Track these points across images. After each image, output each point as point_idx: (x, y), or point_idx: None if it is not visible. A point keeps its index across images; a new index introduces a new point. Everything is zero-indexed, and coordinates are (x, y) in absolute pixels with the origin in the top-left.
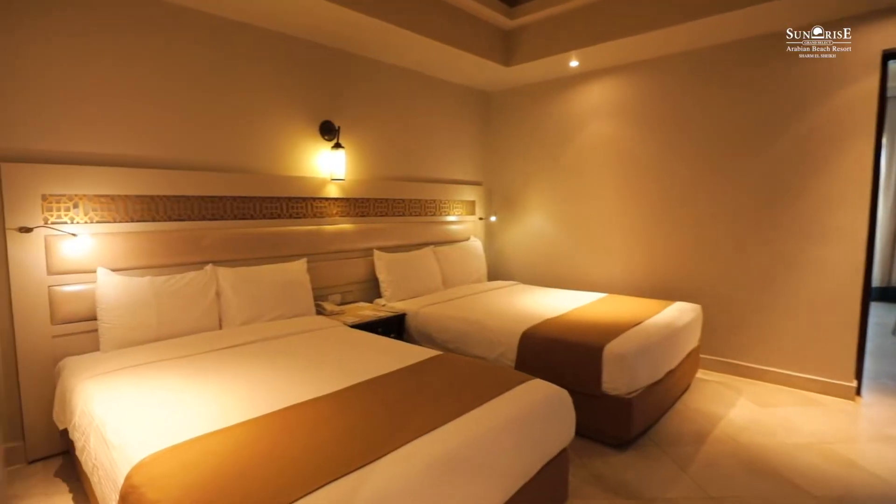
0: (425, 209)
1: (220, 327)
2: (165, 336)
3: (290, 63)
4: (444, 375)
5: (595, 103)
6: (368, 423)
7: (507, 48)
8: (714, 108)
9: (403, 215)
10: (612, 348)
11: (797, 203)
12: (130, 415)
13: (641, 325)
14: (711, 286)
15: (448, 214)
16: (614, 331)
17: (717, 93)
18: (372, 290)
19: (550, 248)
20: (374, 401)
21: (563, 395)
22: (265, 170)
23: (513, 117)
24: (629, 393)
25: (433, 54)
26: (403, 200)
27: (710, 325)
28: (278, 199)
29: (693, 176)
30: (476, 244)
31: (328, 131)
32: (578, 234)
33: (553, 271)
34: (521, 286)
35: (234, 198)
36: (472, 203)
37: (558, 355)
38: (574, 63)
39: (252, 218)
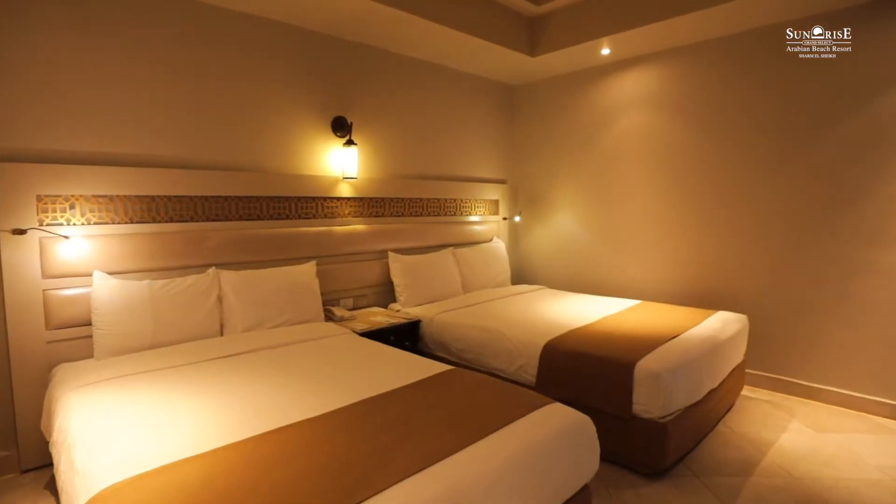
0: (445, 209)
1: (222, 334)
2: (162, 343)
3: (301, 56)
4: (452, 395)
5: (628, 95)
6: (358, 452)
7: (532, 36)
8: (763, 96)
9: (421, 215)
10: (644, 365)
11: (860, 202)
12: (104, 434)
13: (679, 337)
14: (759, 294)
15: (469, 214)
16: (648, 344)
17: (767, 80)
18: (387, 294)
19: (580, 250)
20: (369, 425)
21: (586, 423)
22: (273, 168)
23: (539, 111)
24: (663, 416)
25: (452, 45)
26: (421, 200)
27: (757, 338)
28: (287, 198)
29: (739, 172)
30: (499, 246)
31: (340, 128)
32: (610, 236)
33: (582, 276)
34: (548, 291)
35: (240, 198)
36: (496, 202)
37: (584, 371)
38: (605, 51)
39: (259, 219)
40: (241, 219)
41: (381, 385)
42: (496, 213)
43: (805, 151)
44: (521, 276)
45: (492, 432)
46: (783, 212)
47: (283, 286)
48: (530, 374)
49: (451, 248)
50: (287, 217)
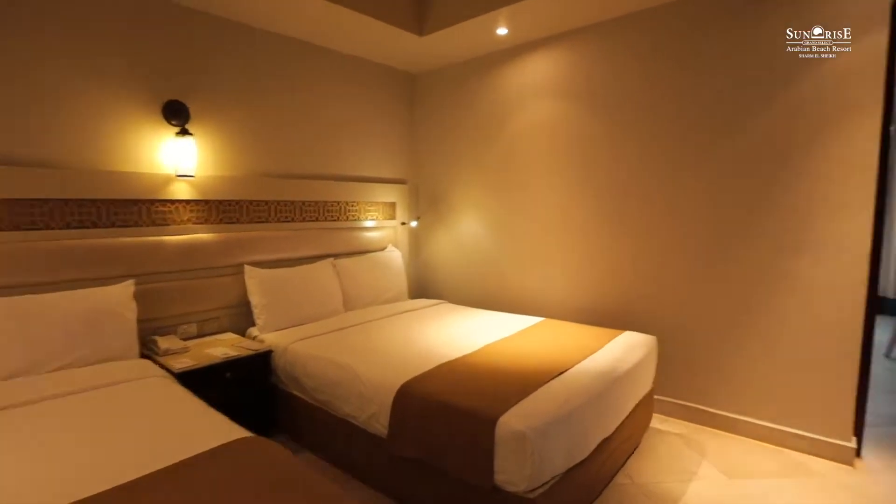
0: (325, 213)
1: None
2: None
3: (123, 26)
4: (212, 489)
5: (531, 82)
6: None
7: (419, 11)
8: (674, 83)
9: (292, 221)
10: (507, 421)
11: (781, 206)
12: None
13: (567, 373)
14: (670, 311)
15: (358, 219)
16: (522, 388)
17: (680, 63)
18: (249, 316)
19: (483, 259)
20: None
21: None
22: (77, 163)
23: (441, 102)
24: (532, 489)
25: (324, 19)
26: (293, 203)
27: (669, 360)
28: (94, 201)
29: (651, 171)
30: (394, 255)
31: (176, 114)
32: (515, 243)
33: (486, 288)
34: (447, 307)
35: (18, 201)
36: (392, 205)
37: (437, 426)
38: (502, 30)
39: (48, 228)
40: (17, 229)
41: (120, 471)
42: (393, 217)
43: (723, 144)
44: (422, 288)
45: None
46: (699, 217)
47: (79, 315)
48: (382, 424)
49: (330, 260)
50: (94, 225)
